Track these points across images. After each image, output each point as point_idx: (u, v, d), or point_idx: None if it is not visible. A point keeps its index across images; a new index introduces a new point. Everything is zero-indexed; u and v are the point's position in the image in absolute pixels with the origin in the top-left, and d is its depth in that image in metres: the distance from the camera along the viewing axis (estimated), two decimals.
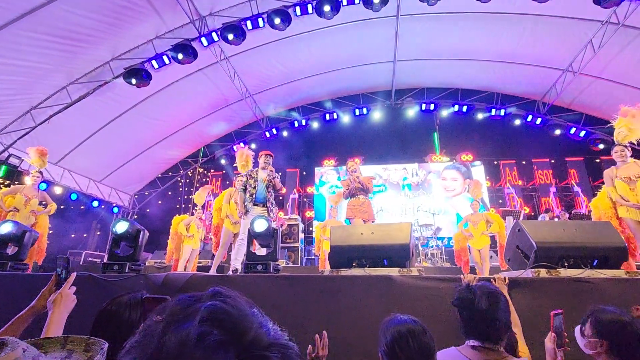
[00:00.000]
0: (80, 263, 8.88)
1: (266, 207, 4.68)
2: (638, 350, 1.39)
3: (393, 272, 2.76)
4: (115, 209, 12.03)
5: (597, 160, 11.15)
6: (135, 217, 12.66)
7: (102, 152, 10.14)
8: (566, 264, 2.65)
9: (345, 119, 12.17)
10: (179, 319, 0.39)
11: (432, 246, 8.74)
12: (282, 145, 12.34)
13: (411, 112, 11.97)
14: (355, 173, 5.26)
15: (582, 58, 8.94)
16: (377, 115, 12.08)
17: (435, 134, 12.22)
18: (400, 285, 2.53)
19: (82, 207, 10.86)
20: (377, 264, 2.95)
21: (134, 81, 7.82)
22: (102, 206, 11.46)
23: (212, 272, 4.69)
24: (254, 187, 4.65)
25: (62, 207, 9.90)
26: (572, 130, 10.88)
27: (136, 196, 12.88)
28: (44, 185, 6.90)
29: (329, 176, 12.52)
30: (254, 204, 4.60)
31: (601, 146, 10.45)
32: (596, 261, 2.68)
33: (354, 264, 2.98)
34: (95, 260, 9.57)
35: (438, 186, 11.77)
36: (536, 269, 2.60)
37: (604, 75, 9.34)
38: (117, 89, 8.46)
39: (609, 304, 1.57)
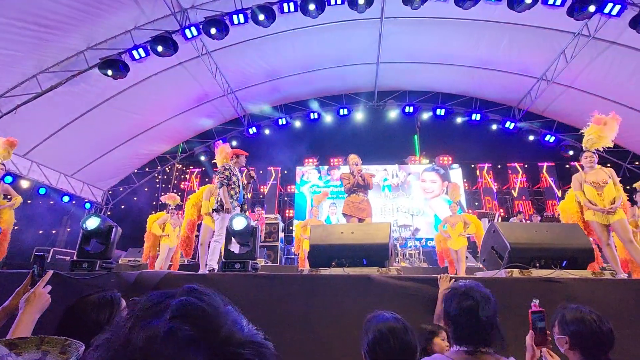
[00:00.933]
0: (48, 261, 8.48)
1: (242, 208, 4.78)
2: (595, 346, 1.45)
3: (372, 271, 2.78)
4: (88, 205, 11.55)
5: (567, 166, 11.68)
6: (109, 213, 12.20)
7: (74, 145, 9.70)
8: (537, 265, 2.75)
9: (328, 118, 12.17)
10: (148, 315, 0.38)
11: (410, 246, 8.89)
12: (264, 143, 12.22)
13: (393, 114, 12.11)
14: (358, 166, 5.07)
15: (555, 67, 9.33)
16: (359, 116, 12.16)
17: (416, 136, 12.44)
18: (379, 284, 2.54)
19: (51, 202, 10.37)
20: (356, 263, 2.96)
21: (110, 72, 7.52)
22: (73, 202, 10.98)
23: (202, 271, 4.56)
24: (238, 186, 4.71)
25: (29, 201, 9.42)
26: (547, 138, 11.31)
27: (110, 192, 12.42)
28: (9, 179, 6.53)
29: (310, 175, 12.51)
30: (237, 204, 4.67)
31: (571, 152, 10.95)
32: (565, 262, 2.79)
33: (333, 263, 2.97)
34: (64, 258, 9.16)
35: (417, 188, 11.98)
36: (510, 269, 2.68)
37: (575, 85, 9.77)
38: (91, 80, 8.11)
39: (576, 302, 1.63)
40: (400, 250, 8.67)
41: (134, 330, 0.36)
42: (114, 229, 3.10)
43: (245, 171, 4.99)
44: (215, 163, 5.38)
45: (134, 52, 7.56)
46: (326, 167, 12.51)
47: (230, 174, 4.67)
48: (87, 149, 10.21)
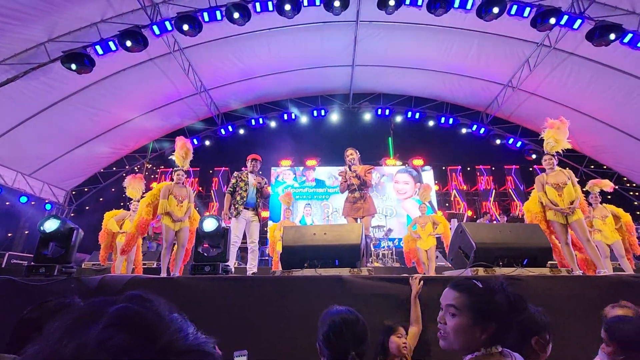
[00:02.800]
0: (2, 266, 7.92)
1: (256, 211, 5.07)
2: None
3: (344, 272, 2.80)
4: (48, 206, 10.89)
5: (530, 169, 12.31)
6: (72, 215, 11.57)
7: (34, 142, 9.11)
8: (501, 263, 2.88)
9: (303, 119, 12.18)
10: (82, 323, 0.35)
11: (383, 247, 9.03)
12: (238, 143, 12.02)
13: (367, 116, 12.29)
14: (354, 165, 4.79)
15: (520, 75, 9.82)
16: (334, 117, 12.24)
17: (390, 138, 12.67)
18: (350, 285, 2.57)
19: (7, 202, 9.70)
20: (328, 264, 2.97)
21: (74, 66, 7.12)
22: (32, 202, 10.32)
23: (163, 275, 4.39)
24: (245, 190, 5.00)
25: None
26: (510, 141, 11.92)
27: (73, 192, 11.78)
28: None
29: (285, 176, 12.44)
30: (245, 208, 4.93)
31: (534, 156, 11.56)
32: (526, 260, 2.94)
33: (305, 265, 2.97)
34: (22, 262, 8.58)
35: (391, 189, 12.21)
36: (475, 268, 2.78)
37: (538, 92, 10.33)
38: (53, 74, 7.66)
39: (534, 298, 1.72)
40: (374, 251, 8.79)
41: (64, 339, 0.34)
42: (74, 232, 2.95)
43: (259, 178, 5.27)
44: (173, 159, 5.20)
45: (100, 47, 7.20)
46: (301, 168, 12.49)
47: (236, 181, 5.06)
48: (48, 147, 9.63)
